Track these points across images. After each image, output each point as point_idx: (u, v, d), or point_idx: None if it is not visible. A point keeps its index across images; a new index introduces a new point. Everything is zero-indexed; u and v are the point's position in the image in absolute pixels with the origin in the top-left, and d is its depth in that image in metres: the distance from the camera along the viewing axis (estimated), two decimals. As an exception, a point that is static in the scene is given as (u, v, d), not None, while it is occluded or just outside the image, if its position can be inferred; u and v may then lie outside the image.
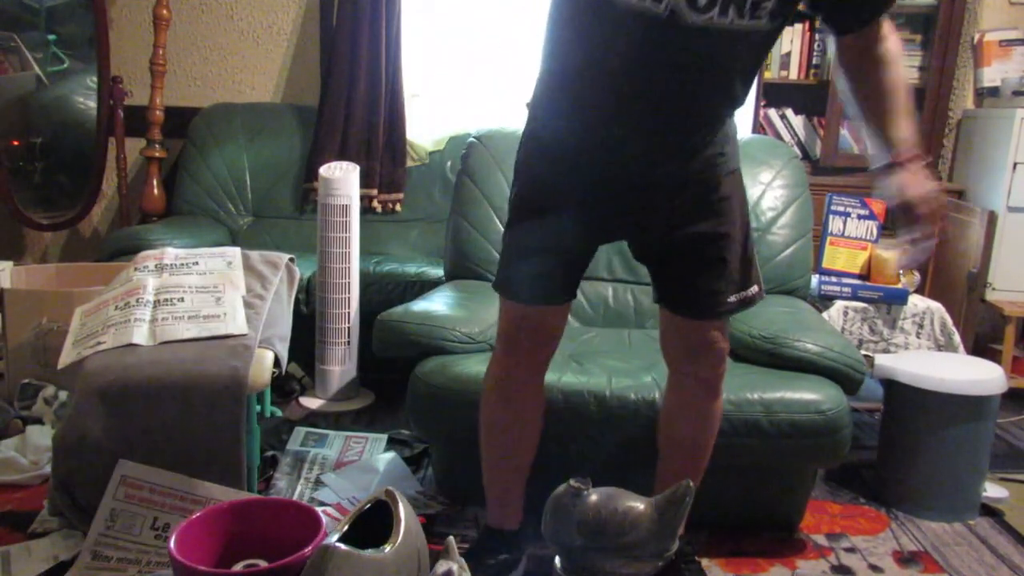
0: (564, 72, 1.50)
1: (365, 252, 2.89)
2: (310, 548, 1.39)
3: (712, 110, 1.48)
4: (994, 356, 2.88)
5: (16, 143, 3.42)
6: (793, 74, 3.36)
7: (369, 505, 1.43)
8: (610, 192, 1.53)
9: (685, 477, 1.51)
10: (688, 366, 1.64)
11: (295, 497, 2.03)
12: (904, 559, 1.92)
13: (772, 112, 3.38)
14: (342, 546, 1.25)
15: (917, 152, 1.42)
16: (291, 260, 2.29)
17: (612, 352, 2.09)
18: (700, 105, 1.45)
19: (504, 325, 1.64)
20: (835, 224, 2.65)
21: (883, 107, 1.45)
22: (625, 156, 1.48)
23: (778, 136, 3.36)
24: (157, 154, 3.36)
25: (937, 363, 2.21)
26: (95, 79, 3.38)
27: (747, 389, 1.84)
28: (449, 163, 3.27)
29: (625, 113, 1.43)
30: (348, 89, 3.23)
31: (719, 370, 1.63)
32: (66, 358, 1.89)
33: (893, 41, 1.44)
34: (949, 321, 2.55)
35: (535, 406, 1.70)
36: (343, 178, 2.69)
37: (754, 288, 1.59)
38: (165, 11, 3.28)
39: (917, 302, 2.58)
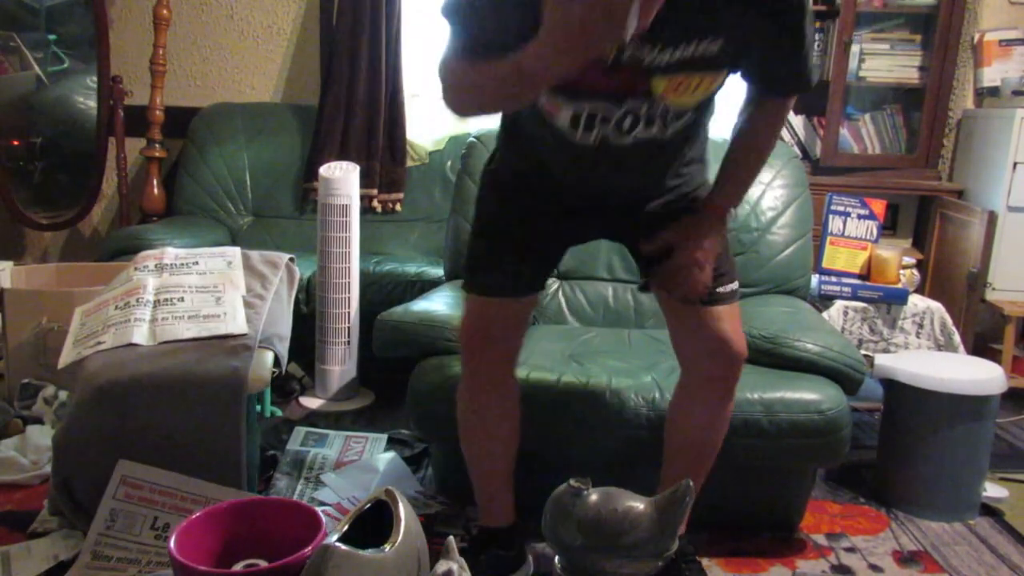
0: (519, 132, 1.60)
1: (365, 252, 2.89)
2: (310, 548, 1.39)
3: (662, 177, 1.58)
4: (994, 356, 2.88)
5: (16, 143, 3.43)
6: (793, 74, 3.36)
7: (369, 505, 1.43)
8: (576, 210, 1.62)
9: (689, 478, 1.52)
10: (703, 366, 1.61)
11: (295, 497, 2.03)
12: (904, 559, 1.92)
13: (772, 112, 3.38)
14: (342, 546, 1.25)
15: (724, 212, 1.55)
16: (291, 260, 2.29)
17: (612, 352, 2.09)
18: (648, 178, 1.56)
19: (468, 322, 1.64)
20: (835, 224, 2.65)
21: (737, 162, 1.55)
22: (584, 201, 1.61)
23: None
24: (157, 154, 3.36)
25: (937, 363, 2.20)
26: (95, 79, 3.38)
27: (747, 389, 1.83)
28: (449, 163, 3.27)
29: (578, 183, 1.56)
30: (348, 89, 3.23)
31: (735, 371, 1.59)
32: (66, 358, 1.89)
33: (780, 120, 1.56)
34: (949, 321, 2.55)
35: (508, 404, 1.69)
36: (343, 178, 2.69)
37: (737, 283, 1.63)
38: (165, 11, 3.29)
39: (917, 302, 2.58)
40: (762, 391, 1.84)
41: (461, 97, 1.40)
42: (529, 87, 1.27)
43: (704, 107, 1.46)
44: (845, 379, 1.91)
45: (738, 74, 1.42)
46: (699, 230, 1.53)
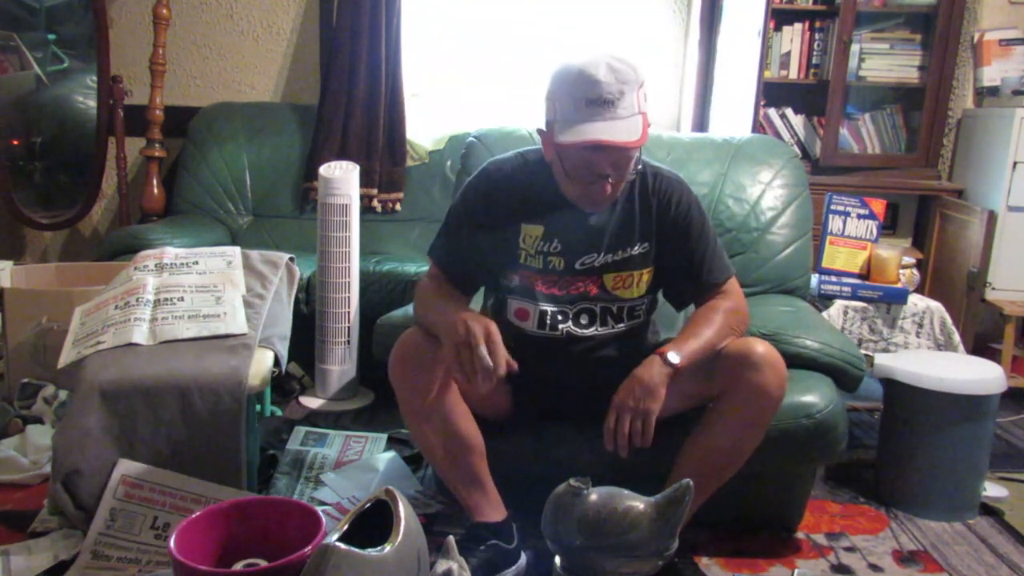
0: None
1: (365, 252, 2.89)
2: (310, 548, 1.39)
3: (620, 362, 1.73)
4: (994, 355, 2.88)
5: (16, 143, 3.42)
6: (793, 74, 3.36)
7: (369, 504, 1.43)
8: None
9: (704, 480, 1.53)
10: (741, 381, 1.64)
11: (295, 497, 2.03)
12: (904, 558, 1.92)
13: (772, 112, 3.38)
14: (342, 545, 1.26)
15: (669, 354, 1.61)
16: (291, 260, 2.29)
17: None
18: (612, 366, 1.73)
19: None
20: (835, 223, 2.65)
21: (696, 319, 1.73)
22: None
23: (778, 135, 3.36)
24: (157, 153, 3.36)
25: (937, 362, 2.21)
26: (95, 79, 3.38)
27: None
28: (449, 163, 3.27)
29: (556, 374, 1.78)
30: (348, 89, 3.23)
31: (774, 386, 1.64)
32: (66, 358, 1.89)
33: (720, 306, 1.72)
34: (949, 320, 2.55)
35: (456, 408, 1.70)
36: (343, 177, 2.69)
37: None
38: (165, 10, 3.28)
39: (917, 301, 2.58)
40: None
41: (419, 313, 1.75)
42: (440, 333, 1.61)
43: (648, 309, 1.80)
44: (845, 376, 1.91)
45: (668, 286, 1.79)
46: (635, 376, 1.60)
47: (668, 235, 1.73)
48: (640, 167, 1.69)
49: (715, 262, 1.74)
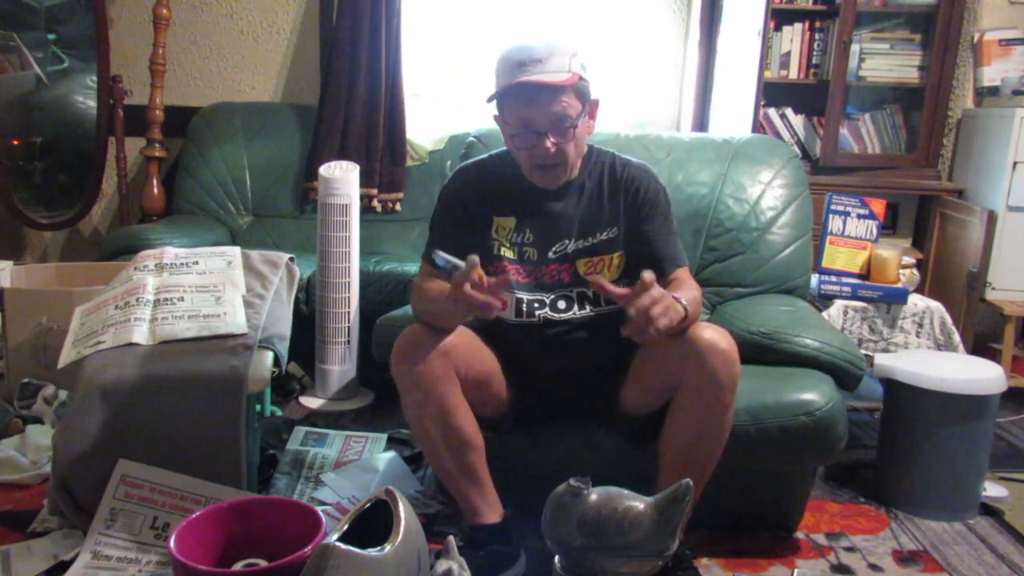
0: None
1: (365, 252, 2.88)
2: (310, 547, 1.39)
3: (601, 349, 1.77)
4: (994, 355, 2.88)
5: (16, 143, 3.42)
6: (793, 74, 3.36)
7: (369, 504, 1.43)
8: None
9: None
10: (692, 371, 1.61)
11: (295, 496, 2.03)
12: (904, 558, 1.92)
13: (772, 111, 3.38)
14: (342, 545, 1.26)
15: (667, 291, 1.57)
16: (291, 259, 2.29)
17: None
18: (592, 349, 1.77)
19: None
20: (835, 223, 2.65)
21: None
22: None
23: (778, 135, 3.36)
24: (157, 153, 3.36)
25: (937, 362, 2.21)
26: (95, 78, 3.38)
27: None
28: (449, 162, 3.27)
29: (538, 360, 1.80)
30: (348, 89, 3.23)
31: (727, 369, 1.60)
32: (66, 357, 1.89)
33: (683, 286, 1.70)
34: (949, 320, 2.55)
35: (457, 403, 1.69)
36: (343, 177, 2.69)
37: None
38: (165, 10, 3.28)
39: (917, 301, 2.58)
40: (748, 398, 1.78)
41: (417, 306, 1.77)
42: (441, 310, 1.65)
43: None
44: (844, 375, 1.91)
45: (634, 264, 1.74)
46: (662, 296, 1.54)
47: (635, 220, 1.77)
48: (609, 159, 1.80)
49: (675, 250, 1.78)
